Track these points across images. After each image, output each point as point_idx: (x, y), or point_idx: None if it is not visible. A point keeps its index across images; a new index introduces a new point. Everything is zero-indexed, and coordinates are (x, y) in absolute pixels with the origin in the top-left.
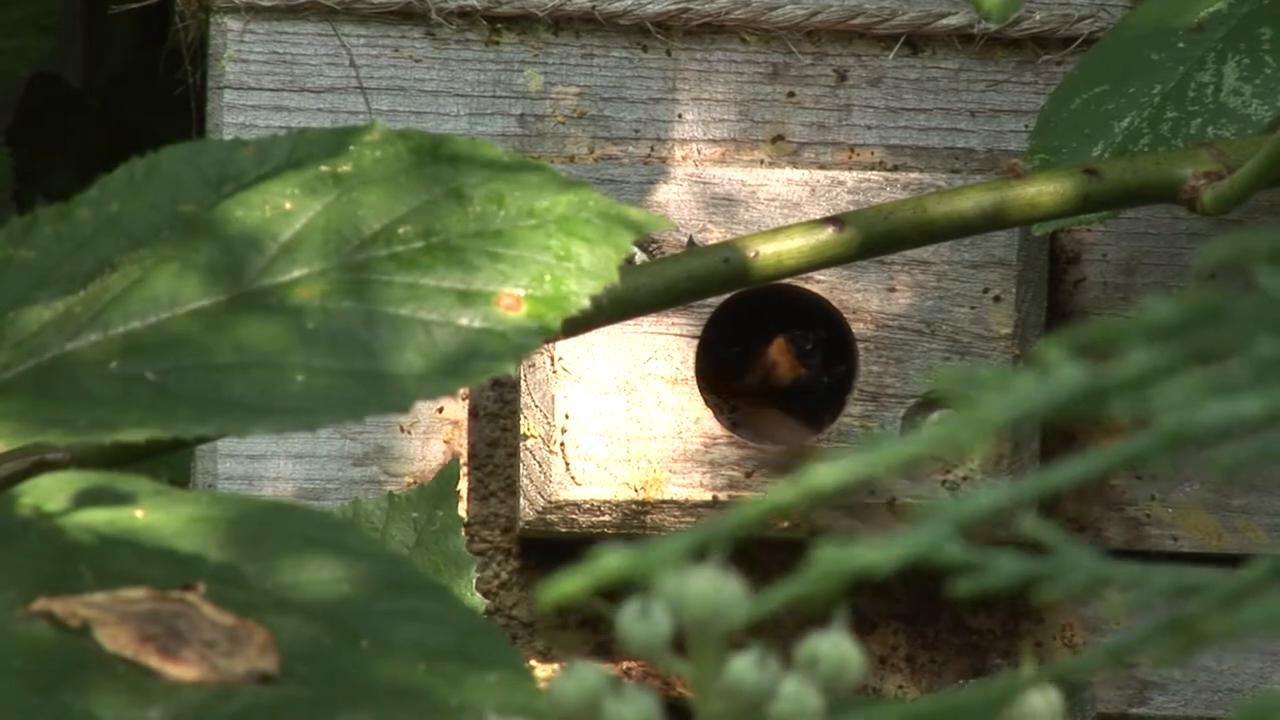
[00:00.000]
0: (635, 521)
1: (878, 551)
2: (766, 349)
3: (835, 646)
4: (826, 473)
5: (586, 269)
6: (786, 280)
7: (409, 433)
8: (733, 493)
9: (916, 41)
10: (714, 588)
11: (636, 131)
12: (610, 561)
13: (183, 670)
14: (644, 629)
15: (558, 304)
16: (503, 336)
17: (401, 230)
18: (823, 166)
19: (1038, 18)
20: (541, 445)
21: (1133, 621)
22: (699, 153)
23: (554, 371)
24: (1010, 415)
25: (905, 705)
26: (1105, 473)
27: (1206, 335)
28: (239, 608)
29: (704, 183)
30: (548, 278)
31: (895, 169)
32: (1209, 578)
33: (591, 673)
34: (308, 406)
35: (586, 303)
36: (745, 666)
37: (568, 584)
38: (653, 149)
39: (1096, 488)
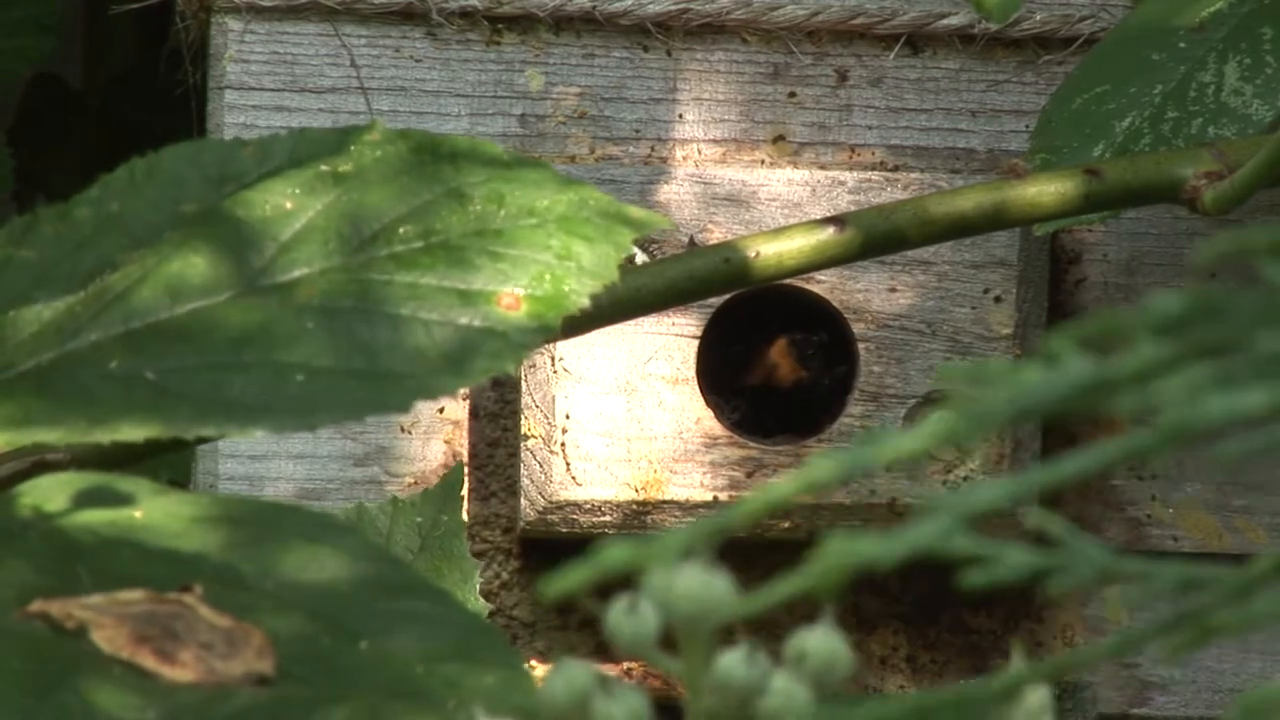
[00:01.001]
0: (636, 522)
1: (884, 544)
2: (768, 349)
3: (824, 642)
4: (825, 466)
5: (587, 268)
6: (787, 280)
7: (410, 433)
8: (733, 493)
9: (917, 42)
10: (702, 584)
11: (637, 132)
12: (613, 555)
13: (179, 672)
14: (631, 625)
15: (558, 303)
16: (503, 336)
17: (402, 230)
18: (823, 167)
19: (1038, 18)
20: (542, 445)
21: (1134, 622)
22: (700, 153)
23: (555, 371)
24: (1013, 409)
25: (905, 699)
26: (1108, 467)
27: (1210, 330)
28: (238, 608)
29: (705, 183)
30: (548, 277)
31: (896, 169)
32: (1216, 572)
33: (581, 671)
34: (308, 406)
35: (586, 301)
36: (734, 662)
37: (571, 577)
38: (653, 149)
39: (1097, 488)
